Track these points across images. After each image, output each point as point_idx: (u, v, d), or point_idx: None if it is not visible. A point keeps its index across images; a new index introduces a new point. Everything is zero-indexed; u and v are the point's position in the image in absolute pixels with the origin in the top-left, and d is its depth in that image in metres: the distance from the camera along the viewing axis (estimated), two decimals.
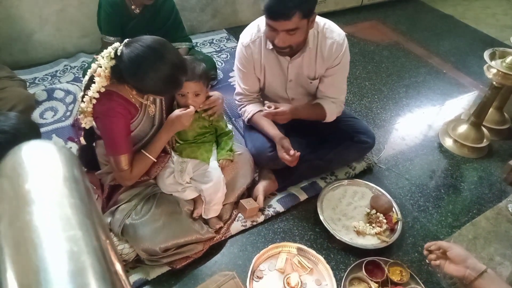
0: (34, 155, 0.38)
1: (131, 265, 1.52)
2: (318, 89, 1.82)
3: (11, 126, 1.03)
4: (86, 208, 0.36)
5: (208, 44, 3.05)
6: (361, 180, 1.93)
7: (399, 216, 1.75)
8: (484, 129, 2.27)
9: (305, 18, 1.46)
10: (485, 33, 3.55)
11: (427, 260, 1.30)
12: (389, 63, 3.00)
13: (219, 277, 1.49)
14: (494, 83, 2.02)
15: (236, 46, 2.94)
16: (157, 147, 1.52)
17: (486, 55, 1.98)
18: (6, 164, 0.37)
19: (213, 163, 1.66)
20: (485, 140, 2.23)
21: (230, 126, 1.89)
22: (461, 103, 2.66)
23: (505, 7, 4.09)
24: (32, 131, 1.09)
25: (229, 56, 2.88)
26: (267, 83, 1.84)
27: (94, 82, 1.31)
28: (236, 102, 1.92)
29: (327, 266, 1.53)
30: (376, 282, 1.49)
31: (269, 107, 1.65)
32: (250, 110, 1.83)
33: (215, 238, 1.62)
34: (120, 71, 1.28)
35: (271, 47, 1.65)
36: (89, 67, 1.51)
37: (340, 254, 1.65)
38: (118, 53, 1.28)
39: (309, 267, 1.54)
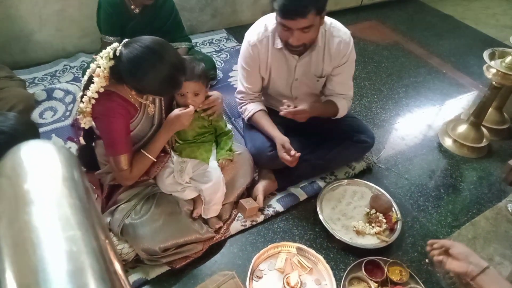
0: (33, 155, 0.38)
1: (130, 265, 1.52)
2: (327, 87, 1.83)
3: (9, 126, 1.02)
4: (85, 208, 0.36)
5: (208, 44, 3.05)
6: (361, 180, 1.93)
7: (399, 216, 1.76)
8: (483, 129, 2.27)
9: (318, 14, 1.47)
10: (484, 33, 3.55)
11: (428, 257, 1.30)
12: (389, 63, 3.00)
13: (219, 276, 1.49)
14: (494, 83, 2.02)
15: (236, 46, 3.00)
16: (156, 146, 1.52)
17: (485, 55, 1.98)
18: (5, 164, 0.37)
19: (213, 163, 1.66)
20: (484, 140, 2.23)
21: (229, 126, 1.89)
22: (460, 103, 2.66)
23: (505, 7, 4.09)
24: (31, 132, 1.09)
25: (228, 56, 2.88)
26: (271, 82, 1.84)
27: (93, 82, 1.31)
28: (237, 100, 1.91)
29: (327, 265, 1.53)
30: (375, 282, 1.49)
31: (288, 105, 1.63)
32: (251, 108, 1.83)
33: (214, 238, 1.62)
34: (119, 71, 1.28)
35: (279, 46, 1.66)
36: (88, 67, 1.51)
37: (340, 254, 1.65)
38: (117, 54, 1.28)
39: (308, 267, 1.54)
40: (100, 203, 1.60)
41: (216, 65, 2.66)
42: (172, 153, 1.65)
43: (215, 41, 3.11)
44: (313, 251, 1.58)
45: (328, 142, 1.92)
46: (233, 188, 1.74)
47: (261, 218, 1.75)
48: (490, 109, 2.24)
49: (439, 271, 1.59)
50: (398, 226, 1.71)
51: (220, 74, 2.67)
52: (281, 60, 1.73)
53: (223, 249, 1.64)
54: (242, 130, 2.09)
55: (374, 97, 2.63)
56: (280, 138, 1.70)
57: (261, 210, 1.77)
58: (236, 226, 1.70)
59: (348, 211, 1.80)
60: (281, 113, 1.64)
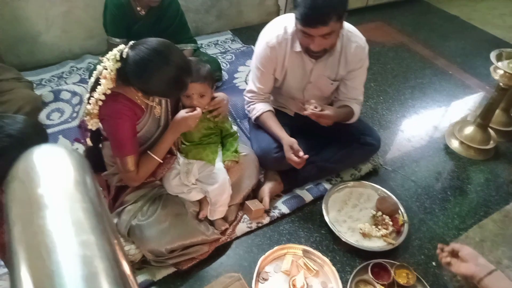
0: (46, 159, 0.38)
1: (137, 266, 1.53)
2: (340, 90, 1.83)
3: (18, 130, 1.02)
4: (98, 212, 0.36)
5: (213, 46, 3.06)
6: (367, 182, 1.93)
7: (405, 218, 1.75)
8: (490, 130, 2.25)
9: (339, 20, 1.47)
10: (491, 34, 3.53)
11: (437, 259, 1.31)
12: (395, 64, 2.99)
13: (225, 278, 1.49)
14: (501, 84, 2.00)
15: (241, 47, 3.00)
16: (163, 148, 1.52)
17: (492, 56, 1.97)
18: (18, 168, 0.37)
19: (219, 165, 1.66)
20: (491, 142, 2.21)
21: (235, 127, 1.89)
22: (467, 104, 2.64)
23: None
24: (39, 135, 1.08)
25: (234, 57, 2.88)
26: (285, 84, 1.83)
27: (100, 84, 1.31)
28: (246, 98, 1.90)
29: (333, 268, 1.53)
30: (382, 285, 1.49)
31: (315, 107, 1.60)
32: (259, 108, 1.83)
33: (220, 240, 1.62)
34: (126, 73, 1.29)
35: (298, 49, 1.65)
36: (95, 68, 1.51)
37: (346, 256, 1.64)
38: (124, 56, 1.28)
39: (315, 269, 1.54)
40: (107, 204, 1.61)
41: (222, 67, 2.66)
42: (178, 155, 1.65)
43: (221, 42, 3.11)
44: (319, 254, 1.57)
45: (334, 144, 1.91)
46: (239, 189, 1.73)
47: (267, 220, 1.75)
48: (497, 111, 2.23)
49: (446, 275, 1.58)
50: (405, 229, 1.70)
51: (225, 76, 2.67)
52: (298, 63, 1.73)
53: (229, 251, 1.64)
54: (248, 131, 2.09)
55: (380, 98, 2.62)
56: (288, 139, 1.69)
57: (267, 212, 1.77)
58: (242, 227, 1.70)
59: (354, 213, 1.79)
60: (305, 113, 1.61)
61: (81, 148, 2.01)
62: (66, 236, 0.33)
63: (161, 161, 1.53)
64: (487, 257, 1.56)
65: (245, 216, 1.75)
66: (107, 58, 1.32)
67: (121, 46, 1.32)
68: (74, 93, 2.38)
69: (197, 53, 2.51)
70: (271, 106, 1.86)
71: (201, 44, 2.98)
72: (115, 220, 1.54)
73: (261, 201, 1.76)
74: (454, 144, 2.26)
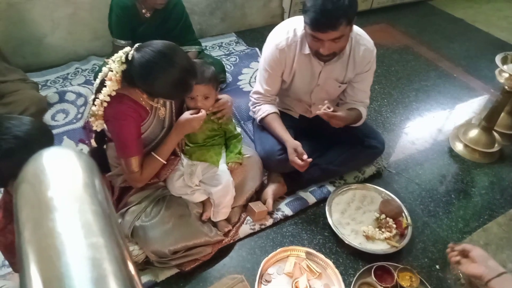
0: (55, 162, 0.38)
1: (140, 267, 1.53)
2: (347, 93, 1.83)
3: (24, 131, 1.03)
4: (106, 214, 0.36)
5: (217, 48, 3.07)
6: (370, 185, 1.92)
7: (409, 221, 1.74)
8: (495, 133, 2.25)
9: (348, 24, 1.47)
10: (496, 37, 3.52)
11: (448, 258, 1.31)
12: (399, 67, 2.99)
13: (228, 280, 1.49)
14: (506, 87, 1.99)
15: (245, 49, 3.01)
16: (166, 149, 1.52)
17: (497, 59, 1.96)
18: (28, 170, 0.37)
19: (223, 166, 1.67)
20: (496, 145, 2.20)
21: (238, 129, 1.90)
22: (471, 107, 2.63)
23: None
24: (45, 137, 1.09)
25: (238, 59, 2.89)
26: (293, 86, 1.83)
27: (105, 86, 1.32)
28: (252, 99, 1.90)
29: (336, 270, 1.52)
30: None
31: (328, 107, 1.60)
32: (265, 109, 1.83)
33: (223, 241, 1.63)
34: (131, 75, 1.30)
35: (307, 51, 1.65)
36: (100, 70, 1.52)
37: (349, 259, 1.64)
38: (129, 58, 1.29)
39: (317, 272, 1.54)
40: None
41: (226, 69, 2.67)
42: (182, 156, 1.66)
43: (225, 44, 3.12)
44: (322, 256, 1.57)
45: (338, 147, 1.91)
46: (242, 191, 1.74)
47: (270, 221, 1.75)
48: (502, 114, 2.22)
49: (449, 278, 1.57)
50: (408, 232, 1.70)
51: (229, 78, 2.68)
52: (306, 65, 1.73)
53: (232, 253, 1.64)
54: (252, 133, 2.09)
55: (384, 101, 2.62)
56: (292, 142, 1.69)
57: (270, 213, 1.77)
58: (245, 229, 1.70)
59: (357, 215, 1.79)
60: (318, 113, 1.60)
61: (85, 149, 2.03)
62: (75, 239, 0.33)
63: (165, 162, 1.54)
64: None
65: (248, 217, 1.75)
66: (112, 60, 1.33)
67: (127, 48, 1.33)
68: (79, 94, 2.39)
69: (202, 55, 2.52)
70: (276, 108, 1.87)
71: (206, 46, 3.00)
72: (119, 221, 1.55)
73: (264, 203, 1.76)
74: (459, 147, 2.25)
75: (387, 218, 1.74)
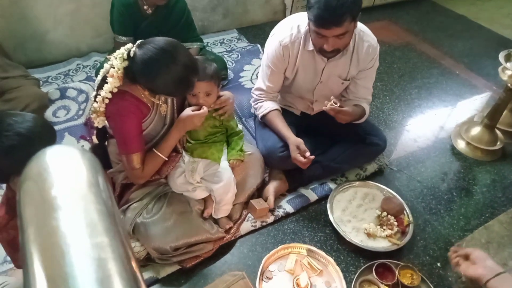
0: (59, 160, 0.38)
1: (141, 264, 1.53)
2: (350, 90, 1.82)
3: (27, 128, 1.02)
4: (111, 213, 0.36)
5: (219, 44, 3.06)
6: (372, 182, 1.92)
7: (410, 218, 1.74)
8: (497, 131, 2.24)
9: (353, 20, 1.46)
10: (499, 34, 3.50)
11: (449, 258, 1.32)
12: (401, 64, 2.98)
13: (229, 277, 1.49)
14: (509, 85, 1.98)
15: (247, 46, 3.00)
16: (168, 145, 1.52)
17: (501, 56, 1.95)
18: (32, 168, 0.37)
19: (224, 163, 1.67)
20: (498, 143, 2.19)
21: (240, 126, 1.89)
22: (474, 105, 2.62)
23: None
24: (48, 135, 1.09)
25: (239, 56, 2.88)
26: (295, 83, 1.83)
27: (107, 82, 1.32)
28: (254, 96, 1.90)
29: (337, 268, 1.52)
30: (386, 285, 1.48)
31: (335, 102, 1.60)
32: (267, 106, 1.82)
33: (225, 238, 1.63)
34: (133, 72, 1.30)
35: (310, 48, 1.65)
36: (101, 66, 1.52)
37: (350, 256, 1.64)
38: (131, 54, 1.29)
39: (319, 269, 1.54)
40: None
41: (227, 65, 2.67)
42: (184, 153, 1.66)
43: (226, 41, 3.11)
44: (323, 253, 1.57)
45: (340, 144, 1.91)
46: (244, 188, 1.74)
47: (271, 219, 1.75)
48: (505, 112, 2.21)
49: (450, 276, 1.57)
50: (410, 229, 1.69)
51: (231, 74, 2.67)
52: (309, 62, 1.72)
53: (233, 249, 1.64)
54: (253, 130, 2.09)
55: (386, 98, 2.61)
56: (294, 139, 1.69)
57: (271, 211, 1.77)
58: (246, 226, 1.70)
59: (359, 213, 1.78)
60: (325, 108, 1.60)
61: (86, 145, 2.03)
62: (80, 238, 0.33)
63: (166, 159, 1.54)
64: (493, 258, 1.55)
65: (249, 215, 1.75)
66: (114, 56, 1.33)
67: (129, 45, 1.33)
68: (81, 91, 2.39)
69: (203, 52, 2.51)
70: (278, 105, 1.86)
71: (207, 42, 2.99)
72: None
73: (265, 200, 1.76)
74: (461, 145, 2.24)
75: (389, 216, 1.74)
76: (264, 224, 1.73)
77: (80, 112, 2.27)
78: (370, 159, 2.01)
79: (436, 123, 2.44)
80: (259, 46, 2.94)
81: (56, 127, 2.15)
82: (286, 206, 1.80)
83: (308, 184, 1.91)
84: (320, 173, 1.90)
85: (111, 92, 1.32)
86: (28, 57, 2.62)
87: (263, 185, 1.84)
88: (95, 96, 1.37)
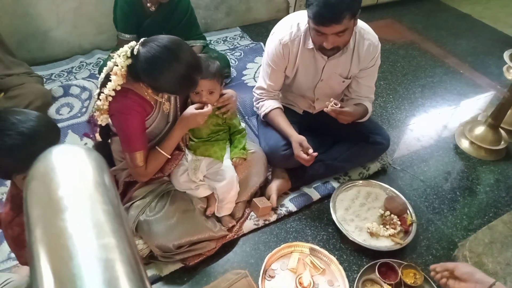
0: (65, 160, 0.38)
1: (145, 261, 1.54)
2: (352, 89, 1.82)
3: (30, 128, 1.01)
4: (117, 214, 0.36)
5: (222, 42, 3.06)
6: (375, 181, 1.92)
7: (414, 218, 1.73)
8: (501, 131, 2.23)
9: (352, 17, 1.46)
10: (504, 33, 3.47)
11: (434, 280, 1.27)
12: (405, 63, 2.97)
13: (231, 275, 1.49)
14: None
15: (250, 44, 2.99)
16: (171, 144, 1.52)
17: (506, 55, 1.94)
18: (38, 168, 0.37)
19: (227, 162, 1.67)
20: (502, 142, 2.18)
21: (243, 124, 1.89)
22: (478, 104, 2.61)
23: None
24: (52, 134, 1.08)
25: (242, 54, 2.88)
26: (296, 82, 1.82)
27: (110, 80, 1.32)
28: (255, 95, 1.90)
29: (340, 267, 1.52)
30: (389, 285, 1.48)
31: (335, 103, 1.60)
32: (268, 105, 1.82)
33: (227, 236, 1.63)
34: (136, 70, 1.29)
35: (310, 46, 1.64)
36: (104, 64, 1.51)
37: (353, 255, 1.64)
38: (135, 52, 1.29)
39: (321, 268, 1.54)
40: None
41: (230, 63, 2.66)
42: (187, 151, 1.66)
43: (230, 39, 3.11)
44: (326, 252, 1.57)
45: (343, 143, 1.90)
46: (247, 186, 1.74)
47: (274, 217, 1.75)
48: (509, 111, 2.19)
49: None
50: (413, 229, 1.69)
51: (234, 72, 2.67)
52: (309, 60, 1.72)
53: (235, 248, 1.64)
54: (256, 128, 2.08)
55: (389, 97, 2.60)
56: (297, 137, 1.69)
57: (274, 209, 1.77)
58: (249, 225, 1.70)
59: (362, 212, 1.78)
60: (326, 110, 1.60)
61: (90, 143, 2.03)
62: (87, 239, 0.33)
63: (169, 157, 1.54)
64: (496, 258, 1.55)
65: (252, 213, 1.75)
66: (118, 54, 1.33)
67: (132, 43, 1.32)
68: (84, 88, 2.39)
69: (206, 50, 2.51)
70: (280, 103, 1.86)
71: (210, 40, 2.98)
72: None
73: (268, 199, 1.75)
74: (464, 144, 2.24)
75: (392, 215, 1.73)
76: (266, 222, 1.73)
77: (84, 110, 2.27)
78: (373, 158, 2.00)
79: (439, 122, 2.43)
80: (262, 44, 2.94)
81: (60, 125, 2.15)
82: (289, 205, 1.80)
83: (311, 183, 1.91)
84: (323, 172, 1.89)
85: (114, 90, 1.32)
86: (31, 54, 2.63)
87: (266, 183, 1.84)
88: (99, 94, 1.37)
